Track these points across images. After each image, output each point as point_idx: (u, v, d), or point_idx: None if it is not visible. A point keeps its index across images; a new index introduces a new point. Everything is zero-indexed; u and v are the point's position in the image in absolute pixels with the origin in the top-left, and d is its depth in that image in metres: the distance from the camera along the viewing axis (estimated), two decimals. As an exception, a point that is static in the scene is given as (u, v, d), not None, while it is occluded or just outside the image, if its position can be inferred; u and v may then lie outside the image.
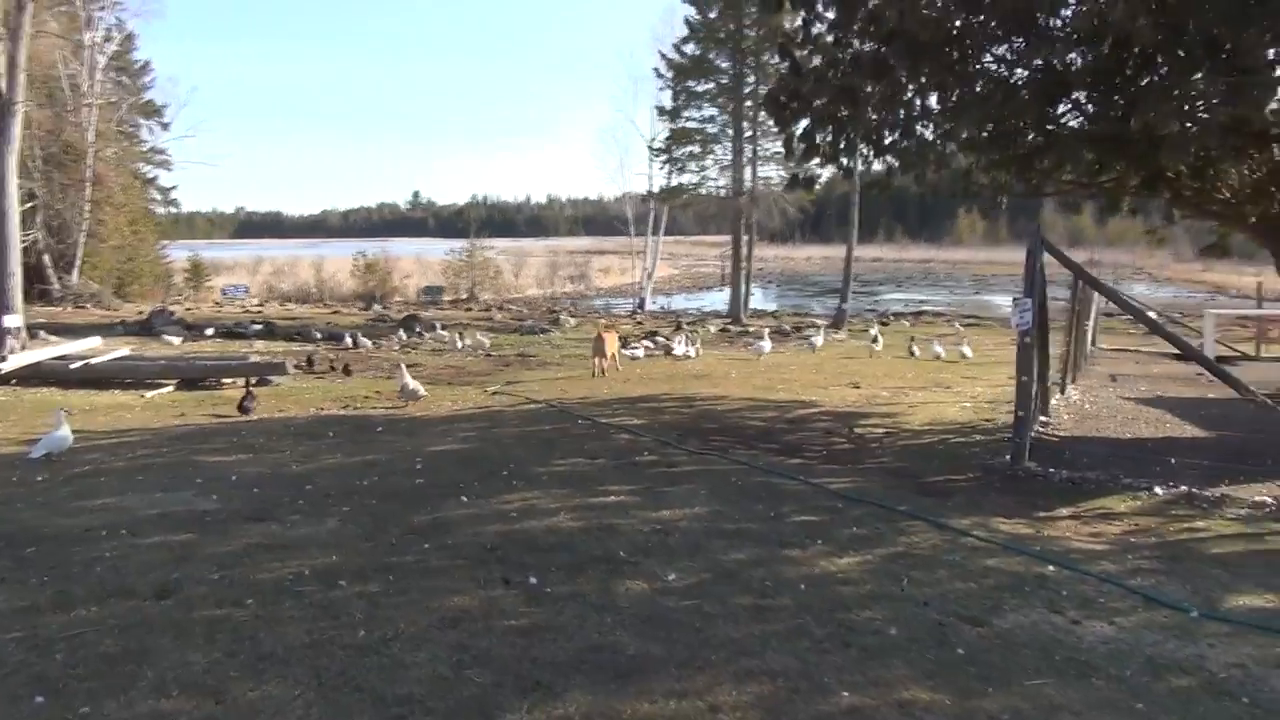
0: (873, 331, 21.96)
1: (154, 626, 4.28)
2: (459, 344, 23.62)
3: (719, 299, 56.56)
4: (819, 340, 23.30)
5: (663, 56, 37.78)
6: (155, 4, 60.78)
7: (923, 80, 9.10)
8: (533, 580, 4.84)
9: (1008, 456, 8.21)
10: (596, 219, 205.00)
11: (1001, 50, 8.83)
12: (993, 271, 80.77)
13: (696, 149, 38.27)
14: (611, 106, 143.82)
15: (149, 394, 14.30)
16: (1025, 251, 8.12)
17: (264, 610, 4.42)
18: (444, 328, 27.77)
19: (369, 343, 23.68)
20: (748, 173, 37.01)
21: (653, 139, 41.96)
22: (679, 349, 20.19)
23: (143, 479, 7.75)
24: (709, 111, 38.08)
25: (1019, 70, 8.69)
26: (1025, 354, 7.90)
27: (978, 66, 8.93)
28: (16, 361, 15.10)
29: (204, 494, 7.10)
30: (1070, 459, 8.18)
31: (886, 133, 11.42)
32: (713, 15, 36.12)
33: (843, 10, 9.62)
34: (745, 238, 37.75)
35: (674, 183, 38.82)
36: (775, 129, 12.83)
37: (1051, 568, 5.42)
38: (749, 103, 36.66)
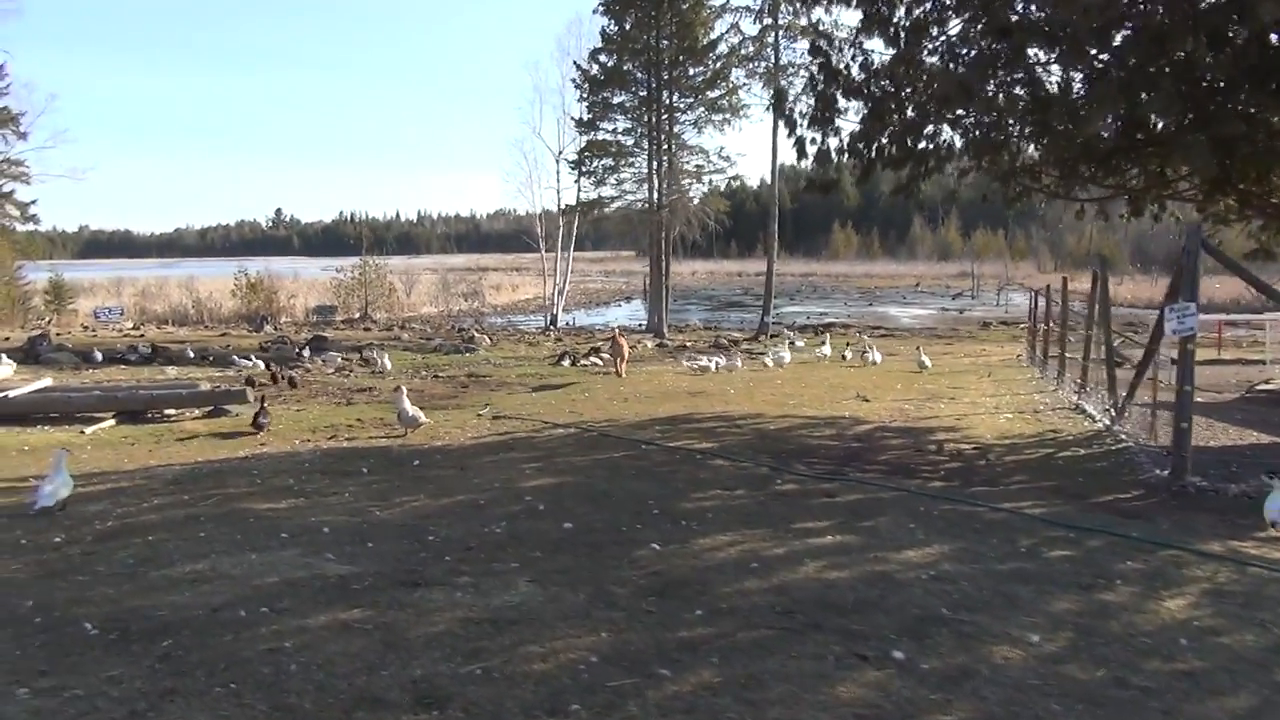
0: (871, 355, 21.81)
1: (476, 755, 3.12)
2: (386, 365, 22.08)
3: (621, 314, 55.84)
4: (826, 350, 23.82)
5: (578, 67, 36.95)
6: (12, 2, 55.13)
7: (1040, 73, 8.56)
8: (896, 654, 3.88)
9: (1165, 471, 7.70)
10: (469, 236, 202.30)
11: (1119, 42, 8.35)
12: (875, 284, 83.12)
13: (610, 162, 37.45)
14: (517, 118, 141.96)
15: (88, 430, 12.45)
16: (1183, 252, 7.61)
17: (611, 720, 3.31)
18: (366, 349, 26.06)
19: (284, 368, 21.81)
20: (666, 186, 36.43)
21: (560, 151, 40.99)
22: (723, 361, 20.44)
23: (205, 535, 6.36)
24: (624, 124, 37.39)
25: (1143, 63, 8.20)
26: (1187, 361, 7.39)
27: (1105, 58, 8.45)
28: (-81, 396, 12.92)
29: (311, 552, 5.80)
30: (1238, 472, 7.72)
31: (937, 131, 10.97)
32: (628, 26, 35.46)
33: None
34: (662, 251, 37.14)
35: (593, 195, 37.93)
36: (786, 131, 12.04)
37: (1388, 598, 4.82)
38: (665, 115, 36.15)
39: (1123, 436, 9.81)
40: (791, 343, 30.35)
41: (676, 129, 36.50)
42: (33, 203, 42.69)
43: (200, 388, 14.29)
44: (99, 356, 23.12)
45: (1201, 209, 12.03)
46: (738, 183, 41.86)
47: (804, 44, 34.33)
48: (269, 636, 4.32)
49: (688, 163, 36.78)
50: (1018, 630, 4.21)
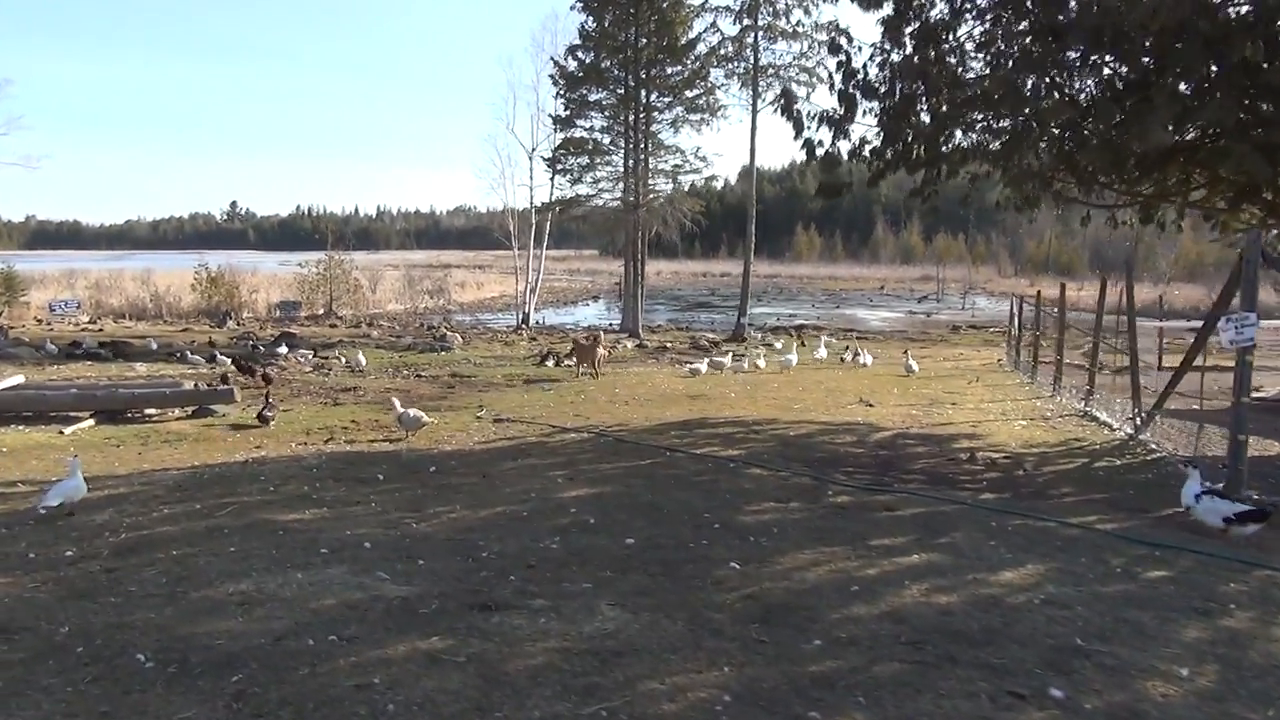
0: (863, 357, 21.93)
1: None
2: (361, 362, 21.61)
3: (589, 313, 55.45)
4: (823, 352, 24.01)
5: (555, 63, 36.42)
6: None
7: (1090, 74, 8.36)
8: (1054, 692, 3.59)
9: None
10: (429, 232, 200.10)
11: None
12: (840, 287, 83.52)
13: (587, 160, 37.03)
14: (488, 114, 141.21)
15: (67, 430, 11.85)
16: (1240, 261, 7.44)
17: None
18: (337, 346, 25.52)
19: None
20: (643, 185, 36.08)
21: (534, 149, 40.44)
22: (727, 362, 20.52)
23: (236, 550, 5.92)
24: (600, 122, 37.00)
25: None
26: (1245, 373, 7.23)
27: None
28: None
29: (360, 570, 5.38)
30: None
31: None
32: (607, 23, 35.06)
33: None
34: (638, 251, 36.78)
35: (569, 194, 37.47)
36: (794, 132, 11.77)
37: None
38: (643, 114, 35.81)
39: (1153, 446, 9.68)
40: (770, 345, 30.18)
41: (654, 128, 36.17)
42: (-13, 190, 41.04)
43: (184, 386, 13.70)
44: (54, 349, 22.44)
45: (1210, 217, 12.01)
46: (710, 183, 41.42)
47: (784, 45, 34.34)
48: (350, 670, 3.93)
49: (665, 162, 36.49)
50: (1161, 663, 3.95)
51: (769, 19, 34.21)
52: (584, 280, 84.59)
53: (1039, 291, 20.60)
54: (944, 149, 10.89)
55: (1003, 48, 9.81)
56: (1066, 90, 9.54)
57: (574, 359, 20.45)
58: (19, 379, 14.07)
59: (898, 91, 10.59)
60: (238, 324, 39.17)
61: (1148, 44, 7.82)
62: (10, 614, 4.73)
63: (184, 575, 5.37)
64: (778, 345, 30.18)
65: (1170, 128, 8.03)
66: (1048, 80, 8.79)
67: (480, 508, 7.05)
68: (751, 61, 34.62)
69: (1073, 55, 8.66)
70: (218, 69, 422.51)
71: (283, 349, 23.24)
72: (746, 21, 34.49)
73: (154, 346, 23.98)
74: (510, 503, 7.18)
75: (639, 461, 9.03)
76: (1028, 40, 8.93)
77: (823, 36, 33.57)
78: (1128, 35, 7.69)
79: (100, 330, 32.56)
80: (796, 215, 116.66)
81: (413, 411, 11.38)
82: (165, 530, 6.58)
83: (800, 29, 33.66)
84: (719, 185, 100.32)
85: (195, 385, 14.07)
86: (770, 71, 34.58)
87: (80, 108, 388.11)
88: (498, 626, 4.43)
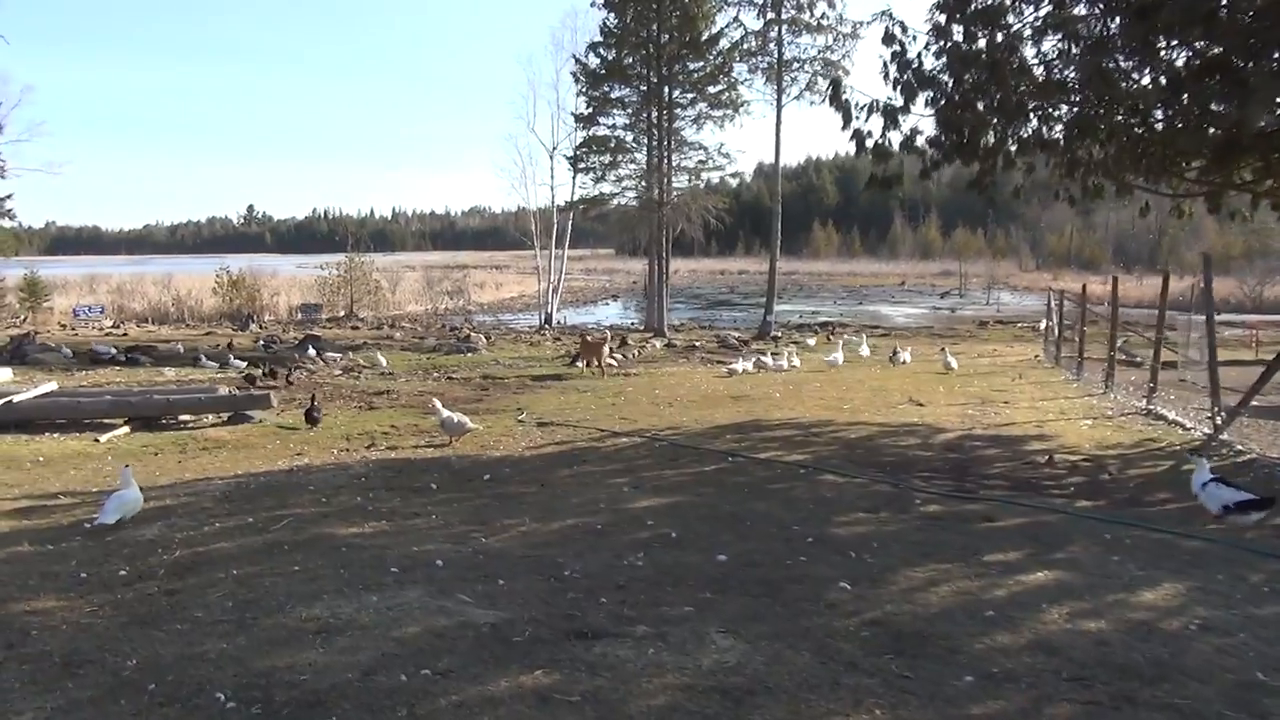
0: (902, 355, 21.66)
1: None
2: (381, 363, 21.39)
3: (610, 312, 55.09)
4: (865, 350, 23.90)
5: (576, 60, 36.04)
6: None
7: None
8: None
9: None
10: (444, 233, 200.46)
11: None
12: (860, 283, 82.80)
13: (609, 158, 36.61)
14: (508, 113, 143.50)
15: (103, 438, 11.53)
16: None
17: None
18: (361, 348, 25.26)
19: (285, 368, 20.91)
20: (667, 182, 35.64)
21: (554, 147, 40.08)
22: (769, 361, 20.19)
23: (300, 569, 5.56)
24: (623, 119, 36.58)
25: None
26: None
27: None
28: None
29: (438, 592, 5.01)
30: None
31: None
32: (629, 19, 34.62)
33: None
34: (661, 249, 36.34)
35: (593, 192, 37.08)
36: (842, 123, 11.29)
37: None
38: (665, 111, 35.36)
39: (1239, 447, 9.22)
40: (799, 342, 29.69)
41: (677, 124, 35.70)
42: (8, 197, 40.97)
43: (219, 392, 13.38)
44: (69, 353, 22.36)
45: (1278, 207, 11.53)
46: (730, 180, 40.84)
47: (808, 39, 33.86)
48: (454, 711, 3.55)
49: (688, 159, 36.06)
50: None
51: (792, 12, 33.72)
52: (602, 279, 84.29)
53: (1084, 286, 20.11)
54: (1008, 139, 10.48)
55: (1069, 31, 9.37)
56: (1133, 76, 9.11)
57: (580, 357, 20.50)
58: (52, 385, 13.78)
59: (963, 80, 10.14)
60: (260, 327, 38.99)
61: (1244, 23, 7.35)
62: (72, 644, 4.38)
63: (251, 598, 5.01)
64: (810, 343, 29.70)
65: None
66: (1114, 64, 8.33)
67: (549, 520, 6.67)
68: (775, 56, 34.15)
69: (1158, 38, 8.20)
70: (232, 73, 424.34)
71: (310, 351, 22.96)
72: (770, 15, 34.02)
73: (180, 350, 23.82)
74: (580, 514, 6.80)
75: (703, 468, 8.64)
76: (1095, 24, 8.47)
77: (846, 29, 33.16)
78: (1225, 12, 7.25)
79: (125, 335, 32.44)
80: (813, 211, 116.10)
81: (456, 416, 11.00)
82: (221, 547, 6.23)
83: (825, 22, 33.17)
84: (736, 183, 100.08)
85: (231, 391, 13.76)
86: (795, 66, 34.14)
87: (97, 113, 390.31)
88: (603, 658, 4.05)
